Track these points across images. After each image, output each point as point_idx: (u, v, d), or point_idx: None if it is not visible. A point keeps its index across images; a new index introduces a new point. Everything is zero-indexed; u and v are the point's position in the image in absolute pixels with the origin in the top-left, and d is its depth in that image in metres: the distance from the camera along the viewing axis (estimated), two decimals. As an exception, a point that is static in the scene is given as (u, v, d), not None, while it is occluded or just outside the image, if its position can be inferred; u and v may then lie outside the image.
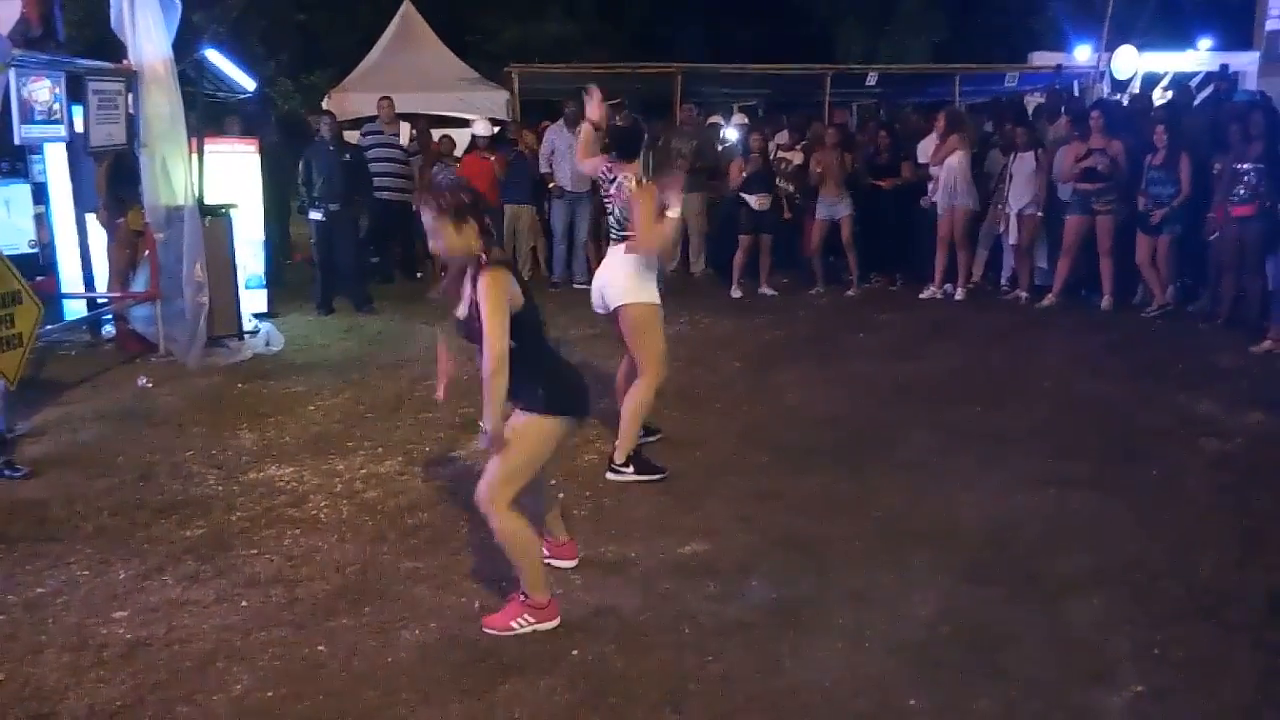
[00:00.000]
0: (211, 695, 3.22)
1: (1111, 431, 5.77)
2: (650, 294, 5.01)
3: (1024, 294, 9.65)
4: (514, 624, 3.58)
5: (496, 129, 11.36)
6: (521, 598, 3.62)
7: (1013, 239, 9.77)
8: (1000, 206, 9.75)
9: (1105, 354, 7.58)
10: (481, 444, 3.54)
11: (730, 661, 3.42)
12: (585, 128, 5.32)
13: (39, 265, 7.95)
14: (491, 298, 3.28)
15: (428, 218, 3.38)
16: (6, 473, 5.02)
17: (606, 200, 5.22)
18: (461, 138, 11.61)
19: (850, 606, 3.76)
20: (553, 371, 3.59)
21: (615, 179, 5.08)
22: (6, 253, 5.85)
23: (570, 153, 10.41)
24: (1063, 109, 10.50)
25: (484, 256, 3.36)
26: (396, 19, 14.19)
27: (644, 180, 5.06)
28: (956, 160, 9.46)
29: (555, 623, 3.61)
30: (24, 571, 4.04)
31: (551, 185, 10.58)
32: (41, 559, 4.15)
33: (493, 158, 10.55)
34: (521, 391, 3.50)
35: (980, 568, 4.07)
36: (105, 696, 3.21)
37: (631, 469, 5.03)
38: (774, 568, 4.07)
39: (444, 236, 3.38)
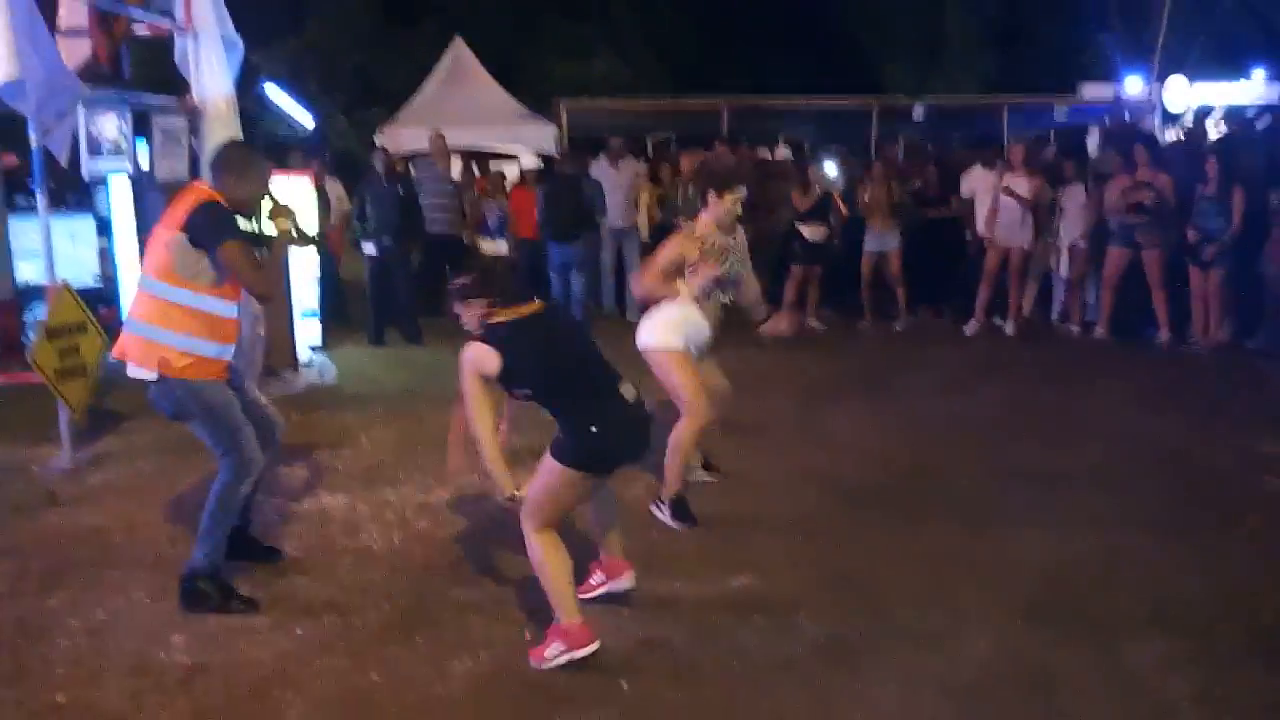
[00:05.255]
0: (267, 722, 3.27)
1: (1169, 470, 5.67)
2: (668, 340, 4.89)
3: (1076, 328, 9.54)
4: (546, 653, 3.58)
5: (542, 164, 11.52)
6: (554, 623, 3.63)
7: (1064, 272, 9.68)
8: (1051, 240, 9.67)
9: (1161, 390, 7.47)
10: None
11: (781, 698, 3.40)
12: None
13: (103, 297, 8.14)
14: (461, 376, 3.60)
15: (455, 306, 3.80)
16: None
17: None
18: (510, 171, 11.80)
19: (903, 645, 3.73)
20: (578, 421, 3.62)
21: None
22: (72, 285, 6.02)
23: (615, 190, 10.53)
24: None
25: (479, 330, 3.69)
26: (448, 56, 14.41)
27: (701, 217, 5.02)
28: (1023, 196, 9.34)
29: (590, 648, 3.54)
30: (86, 598, 4.12)
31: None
32: (103, 585, 4.23)
33: (540, 190, 10.67)
34: (558, 430, 3.68)
35: (1036, 608, 4.02)
36: (164, 721, 3.27)
37: (668, 511, 4.94)
38: (825, 605, 4.05)
39: (465, 314, 3.78)
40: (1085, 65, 17.42)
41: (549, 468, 3.62)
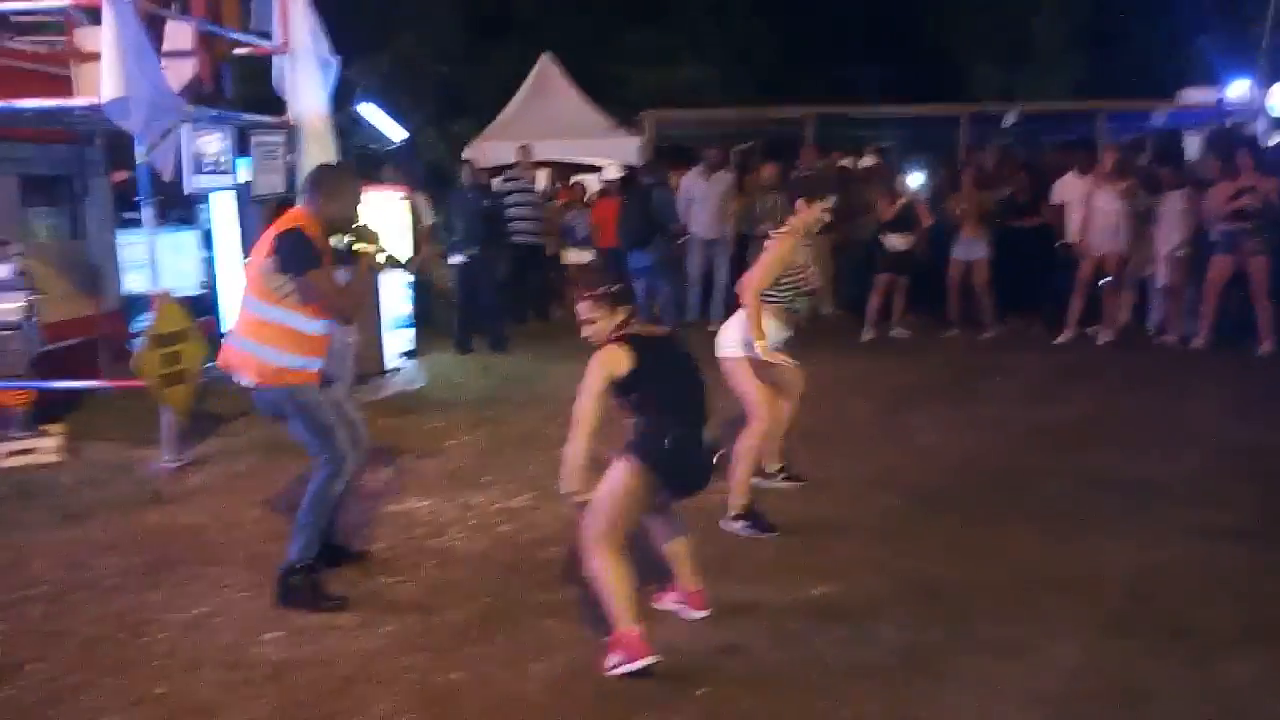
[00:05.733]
0: (352, 717, 3.36)
1: (1265, 481, 5.47)
2: (731, 349, 4.98)
3: (1173, 339, 9.25)
4: (608, 662, 3.59)
5: (624, 173, 11.65)
6: (614, 632, 3.62)
7: (1161, 281, 9.40)
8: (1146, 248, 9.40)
9: (1259, 401, 7.20)
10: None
11: (860, 707, 3.37)
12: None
13: (203, 306, 8.45)
14: (590, 373, 3.63)
15: (583, 306, 3.76)
16: None
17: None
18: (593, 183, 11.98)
19: (985, 656, 3.67)
20: (659, 430, 3.66)
21: None
22: (176, 295, 6.28)
23: (706, 200, 10.54)
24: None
25: (613, 336, 3.71)
26: (535, 70, 14.63)
27: (791, 221, 5.05)
28: (1118, 202, 9.11)
29: (646, 661, 3.53)
30: (185, 593, 4.30)
31: (682, 239, 10.64)
32: (201, 581, 4.41)
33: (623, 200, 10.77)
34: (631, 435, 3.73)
35: (1123, 620, 3.92)
36: (255, 713, 3.39)
37: (740, 523, 4.88)
38: (905, 613, 4.00)
39: (600, 320, 3.73)
40: (1182, 69, 16.88)
41: (616, 466, 3.66)
